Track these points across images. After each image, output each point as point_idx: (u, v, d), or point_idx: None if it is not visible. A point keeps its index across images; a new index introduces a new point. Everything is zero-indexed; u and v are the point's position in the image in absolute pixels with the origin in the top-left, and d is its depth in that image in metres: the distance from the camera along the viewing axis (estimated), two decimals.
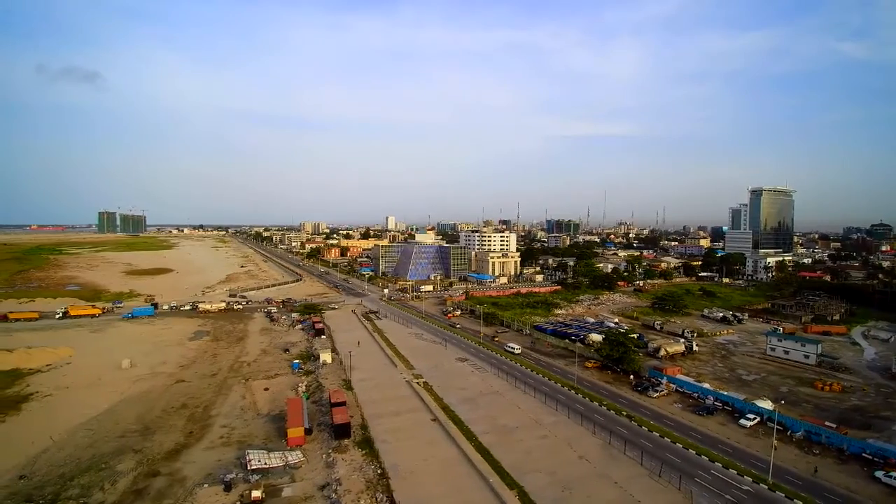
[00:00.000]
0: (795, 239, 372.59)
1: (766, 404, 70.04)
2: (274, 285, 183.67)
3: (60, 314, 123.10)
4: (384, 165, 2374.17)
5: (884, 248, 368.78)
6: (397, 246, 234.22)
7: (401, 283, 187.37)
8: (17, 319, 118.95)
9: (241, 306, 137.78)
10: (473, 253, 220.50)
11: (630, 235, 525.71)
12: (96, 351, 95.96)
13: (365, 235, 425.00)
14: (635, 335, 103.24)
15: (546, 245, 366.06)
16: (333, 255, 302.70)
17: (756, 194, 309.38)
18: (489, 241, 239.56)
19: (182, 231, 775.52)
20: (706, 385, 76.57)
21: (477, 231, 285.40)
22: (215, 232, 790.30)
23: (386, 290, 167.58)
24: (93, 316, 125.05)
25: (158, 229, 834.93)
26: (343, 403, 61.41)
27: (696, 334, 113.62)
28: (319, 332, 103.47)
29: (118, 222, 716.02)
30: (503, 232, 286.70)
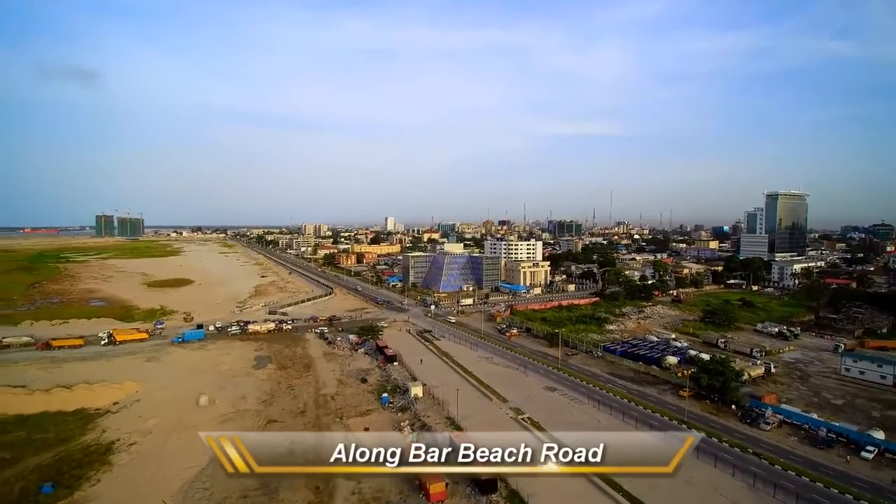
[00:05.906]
0: None
1: (880, 434, 69.05)
2: (308, 300, 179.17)
3: (106, 339, 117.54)
4: (378, 165, 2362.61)
5: (889, 249, 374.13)
6: (427, 255, 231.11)
7: (437, 295, 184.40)
8: (61, 347, 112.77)
9: (289, 326, 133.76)
10: (503, 262, 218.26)
11: (635, 237, 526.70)
12: (161, 384, 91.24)
13: (375, 240, 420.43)
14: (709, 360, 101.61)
15: (558, 249, 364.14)
16: (351, 261, 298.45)
17: (772, 198, 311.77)
18: (516, 248, 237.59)
19: (181, 234, 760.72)
20: (814, 415, 75.11)
21: (503, 238, 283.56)
22: (215, 234, 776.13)
23: (433, 306, 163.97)
24: (141, 340, 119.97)
25: (156, 231, 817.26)
26: None
27: (763, 353, 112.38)
28: (391, 359, 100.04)
29: (116, 225, 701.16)
30: (529, 240, 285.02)
